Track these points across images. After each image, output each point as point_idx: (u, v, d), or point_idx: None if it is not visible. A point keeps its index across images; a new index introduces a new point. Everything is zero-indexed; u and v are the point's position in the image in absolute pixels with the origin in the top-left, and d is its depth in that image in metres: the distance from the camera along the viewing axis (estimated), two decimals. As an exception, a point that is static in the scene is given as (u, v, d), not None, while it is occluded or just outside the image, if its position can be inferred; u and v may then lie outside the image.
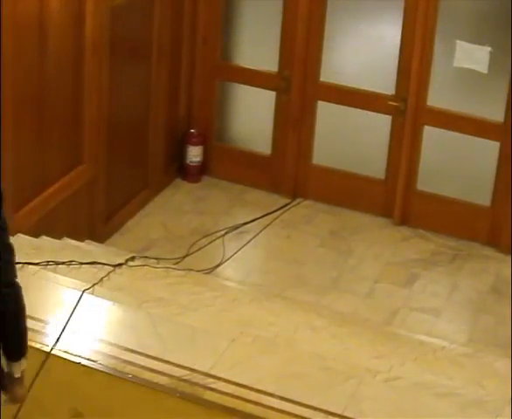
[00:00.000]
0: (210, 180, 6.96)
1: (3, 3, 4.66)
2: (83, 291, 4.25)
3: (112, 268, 4.87)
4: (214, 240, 6.13)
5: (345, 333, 4.74)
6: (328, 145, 6.80)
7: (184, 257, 5.87)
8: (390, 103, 6.40)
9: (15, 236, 5.08)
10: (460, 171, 6.45)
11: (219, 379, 3.99)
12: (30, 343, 3.92)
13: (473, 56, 6.06)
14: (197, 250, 5.96)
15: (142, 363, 3.95)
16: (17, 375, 3.12)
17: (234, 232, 6.27)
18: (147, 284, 5.28)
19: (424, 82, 6.27)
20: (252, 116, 7.03)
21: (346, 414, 3.66)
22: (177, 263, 5.73)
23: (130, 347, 3.94)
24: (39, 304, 4.20)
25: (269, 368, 4.05)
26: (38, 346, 3.89)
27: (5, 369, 3.11)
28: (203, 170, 6.97)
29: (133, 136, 6.27)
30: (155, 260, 5.59)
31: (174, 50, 6.50)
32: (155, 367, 3.94)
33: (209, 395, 3.94)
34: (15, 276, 3.08)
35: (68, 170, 5.57)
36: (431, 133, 6.33)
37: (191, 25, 6.67)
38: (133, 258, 5.38)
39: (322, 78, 6.58)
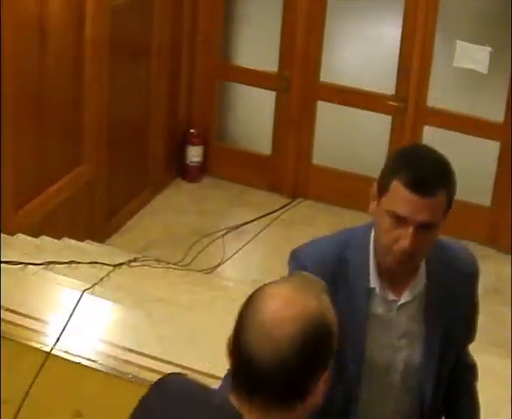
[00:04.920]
0: (210, 180, 6.96)
1: (3, 3, 4.66)
2: (83, 292, 4.25)
3: (112, 268, 4.87)
4: (214, 240, 6.13)
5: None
6: (328, 145, 6.80)
7: (187, 259, 5.87)
8: (391, 103, 6.40)
9: (15, 237, 5.09)
10: (460, 171, 6.43)
11: (219, 379, 3.99)
12: (30, 343, 3.93)
13: (473, 56, 6.06)
14: (197, 254, 5.95)
15: (142, 363, 3.95)
16: None
17: (234, 232, 6.27)
18: (147, 284, 5.28)
19: (424, 82, 6.27)
20: (252, 116, 7.03)
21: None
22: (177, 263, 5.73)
23: (130, 347, 3.94)
24: (39, 304, 4.20)
25: (269, 368, 4.05)
26: (38, 346, 3.89)
27: None
28: (203, 170, 6.97)
29: (133, 136, 6.27)
30: (155, 260, 5.59)
31: (174, 50, 6.50)
32: (155, 367, 3.94)
33: (209, 395, 3.94)
34: None
35: (68, 170, 5.57)
36: (431, 133, 6.33)
37: (191, 25, 6.67)
38: (135, 259, 5.39)
39: (322, 79, 6.58)
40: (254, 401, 1.70)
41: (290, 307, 1.66)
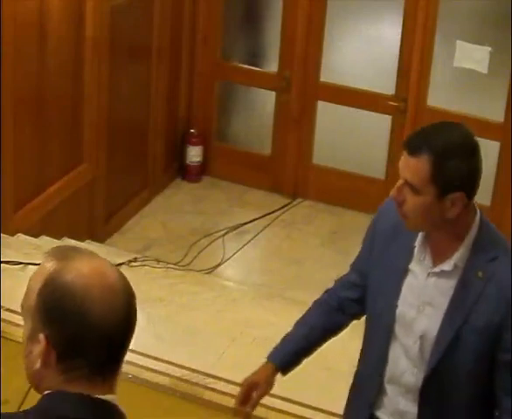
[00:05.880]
0: (210, 180, 6.96)
1: (3, 3, 4.66)
2: (83, 291, 4.24)
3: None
4: (214, 240, 6.13)
5: (345, 332, 4.73)
6: (328, 145, 6.80)
7: (188, 260, 5.87)
8: (391, 103, 6.40)
9: (15, 237, 5.09)
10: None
11: (219, 379, 3.99)
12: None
13: (473, 56, 6.06)
14: (198, 254, 5.95)
15: (142, 363, 3.95)
16: None
17: (234, 232, 6.27)
18: (147, 284, 5.27)
19: (424, 82, 6.27)
20: (252, 116, 7.03)
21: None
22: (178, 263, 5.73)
23: (130, 347, 3.94)
24: (39, 304, 4.19)
25: (269, 368, 4.04)
26: (38, 346, 3.88)
27: None
28: (203, 170, 6.97)
29: (133, 136, 6.27)
30: (155, 260, 5.59)
31: (174, 50, 6.50)
32: (155, 367, 3.94)
33: (209, 395, 3.94)
34: None
35: (68, 170, 5.57)
36: (431, 133, 6.33)
37: (191, 25, 6.67)
38: (135, 259, 5.38)
39: (322, 79, 6.58)
40: (109, 373, 1.74)
41: (112, 272, 1.73)
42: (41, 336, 1.68)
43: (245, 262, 6.07)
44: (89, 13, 5.39)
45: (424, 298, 2.56)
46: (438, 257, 2.54)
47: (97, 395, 1.71)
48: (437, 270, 2.53)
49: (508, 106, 6.11)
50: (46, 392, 1.73)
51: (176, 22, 6.45)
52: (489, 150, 6.25)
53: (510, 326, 2.48)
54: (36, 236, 5.23)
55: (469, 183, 2.45)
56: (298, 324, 2.88)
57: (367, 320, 2.77)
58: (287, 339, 2.87)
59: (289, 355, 2.83)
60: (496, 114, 6.17)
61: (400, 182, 2.47)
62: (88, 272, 1.69)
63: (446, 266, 2.52)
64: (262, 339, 4.50)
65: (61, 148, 5.47)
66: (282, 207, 6.65)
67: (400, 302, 2.59)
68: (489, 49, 6.02)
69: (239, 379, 4.00)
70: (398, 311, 2.60)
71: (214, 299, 5.22)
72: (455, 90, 6.41)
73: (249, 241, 6.19)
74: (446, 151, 2.41)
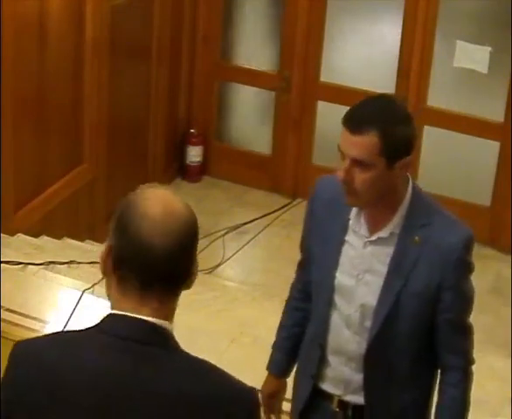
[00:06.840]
0: (210, 180, 6.96)
1: (3, 3, 4.67)
2: (83, 292, 4.24)
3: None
4: (214, 240, 6.13)
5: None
6: (328, 145, 6.79)
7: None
8: (391, 103, 6.40)
9: (15, 236, 5.08)
10: (460, 171, 6.45)
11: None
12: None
13: (473, 56, 6.06)
14: (198, 254, 5.95)
15: (142, 363, 3.93)
16: None
17: (234, 232, 6.27)
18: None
19: (424, 82, 6.27)
20: (252, 116, 7.03)
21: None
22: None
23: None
24: (39, 304, 4.20)
25: (269, 368, 4.04)
26: (38, 346, 3.88)
27: None
28: (203, 170, 6.97)
29: (133, 136, 6.27)
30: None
31: (174, 50, 6.51)
32: (155, 367, 3.91)
33: (209, 395, 3.93)
34: None
35: (68, 170, 5.57)
36: (431, 133, 6.34)
37: (191, 25, 6.67)
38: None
39: (322, 79, 6.58)
40: (163, 297, 1.83)
41: (178, 203, 1.97)
42: (106, 243, 1.88)
43: (245, 262, 6.07)
44: (89, 13, 5.39)
45: (362, 266, 2.61)
46: (373, 228, 2.60)
47: (148, 318, 1.81)
48: (373, 238, 2.59)
49: (508, 106, 6.11)
50: (108, 313, 1.90)
51: (176, 22, 6.45)
52: (489, 150, 6.26)
53: (448, 286, 2.55)
54: (36, 236, 5.23)
55: (412, 146, 2.51)
56: (278, 329, 2.97)
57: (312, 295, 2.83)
58: (274, 347, 2.98)
59: (281, 362, 2.95)
60: (496, 114, 6.17)
61: (347, 162, 2.48)
62: (154, 197, 1.87)
63: (383, 233, 2.58)
64: (262, 339, 4.50)
65: (61, 148, 5.47)
66: (282, 207, 6.65)
67: (339, 273, 2.65)
68: (489, 49, 6.02)
69: (239, 379, 4.01)
70: (337, 281, 2.65)
71: (214, 299, 5.21)
72: (455, 90, 6.41)
73: (249, 241, 6.20)
74: (389, 121, 2.46)
